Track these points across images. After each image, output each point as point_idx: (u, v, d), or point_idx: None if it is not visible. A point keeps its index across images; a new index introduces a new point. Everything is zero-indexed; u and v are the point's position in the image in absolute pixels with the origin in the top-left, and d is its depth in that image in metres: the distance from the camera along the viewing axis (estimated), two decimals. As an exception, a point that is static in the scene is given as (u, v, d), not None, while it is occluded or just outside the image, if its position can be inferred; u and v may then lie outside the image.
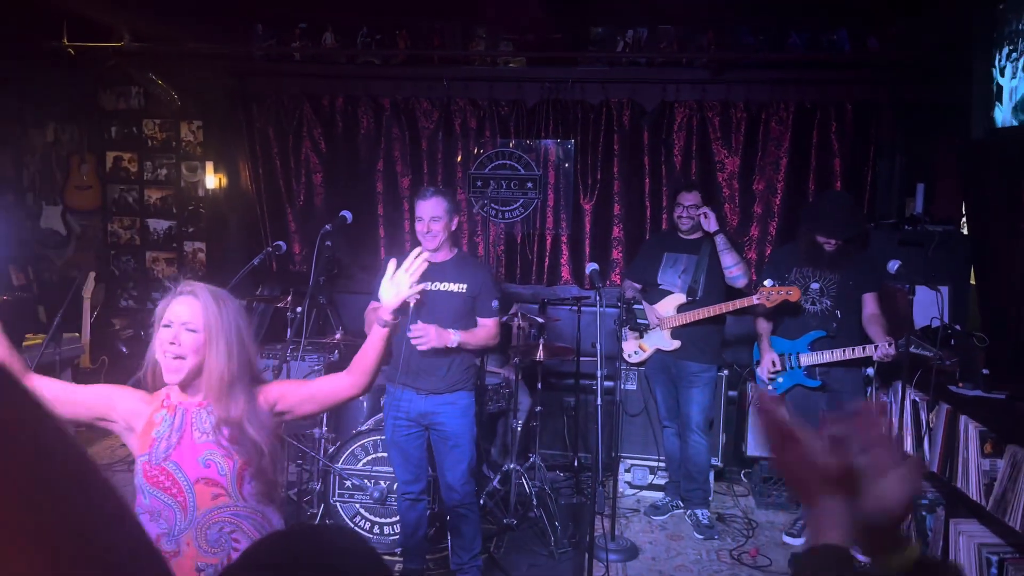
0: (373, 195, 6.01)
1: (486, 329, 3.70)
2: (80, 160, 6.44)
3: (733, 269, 4.45)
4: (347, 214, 3.86)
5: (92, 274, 5.91)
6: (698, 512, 4.67)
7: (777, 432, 0.95)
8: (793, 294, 4.18)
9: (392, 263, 2.33)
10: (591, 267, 3.83)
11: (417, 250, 2.35)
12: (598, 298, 3.59)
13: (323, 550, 1.19)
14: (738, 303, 4.35)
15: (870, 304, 4.21)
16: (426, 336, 3.46)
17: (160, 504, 1.96)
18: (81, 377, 5.66)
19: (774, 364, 4.34)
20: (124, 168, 6.49)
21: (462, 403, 3.68)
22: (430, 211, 3.57)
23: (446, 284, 3.64)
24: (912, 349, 3.83)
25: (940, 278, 4.64)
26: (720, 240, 4.46)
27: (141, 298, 6.61)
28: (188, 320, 1.99)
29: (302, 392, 2.19)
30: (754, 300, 4.28)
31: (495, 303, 3.71)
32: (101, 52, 5.56)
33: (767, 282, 4.25)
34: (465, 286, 3.64)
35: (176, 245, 6.53)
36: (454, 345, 3.53)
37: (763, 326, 4.45)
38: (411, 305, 2.29)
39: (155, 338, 2.04)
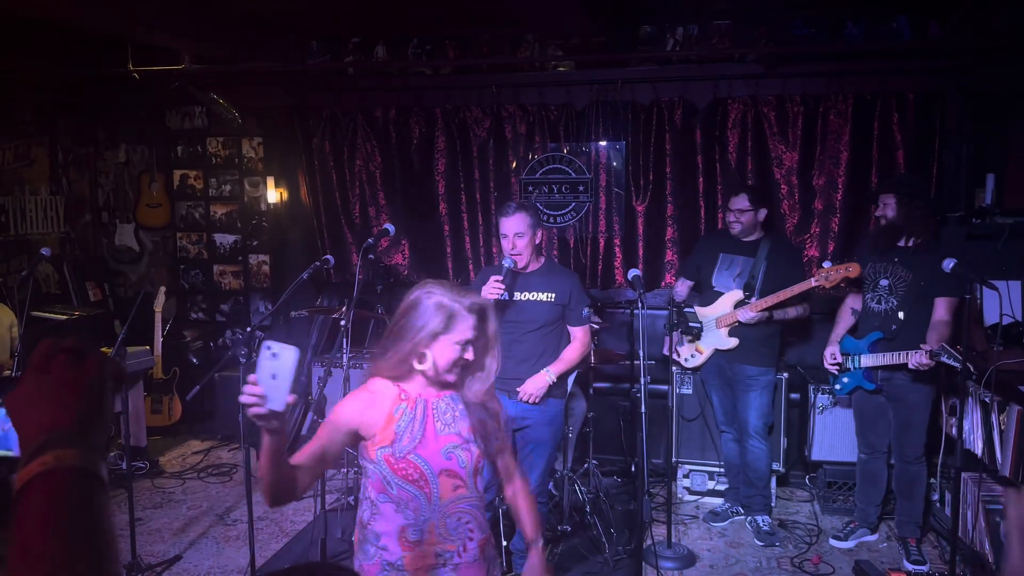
0: (429, 203, 6.07)
1: (576, 344, 3.73)
2: (150, 179, 6.71)
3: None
4: (390, 227, 3.92)
5: (162, 289, 6.15)
6: (759, 518, 4.56)
7: None
8: (852, 270, 4.08)
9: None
10: (633, 272, 3.78)
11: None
12: (640, 304, 3.56)
13: None
14: (797, 288, 4.24)
15: (940, 309, 3.96)
16: (526, 396, 3.60)
17: (407, 495, 2.02)
18: (152, 387, 5.91)
19: (833, 356, 4.27)
20: (190, 185, 6.73)
21: (551, 412, 3.72)
22: (513, 227, 3.61)
23: (535, 294, 3.67)
24: (943, 359, 3.65)
25: (1013, 272, 4.42)
26: (776, 315, 4.40)
27: (210, 310, 6.84)
28: (472, 336, 2.07)
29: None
30: (812, 283, 4.19)
31: (585, 311, 3.72)
32: (165, 75, 5.79)
33: (826, 263, 4.16)
34: (553, 295, 3.66)
35: (241, 258, 6.73)
36: (552, 382, 3.61)
37: (838, 327, 4.38)
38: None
39: (436, 349, 2.05)
